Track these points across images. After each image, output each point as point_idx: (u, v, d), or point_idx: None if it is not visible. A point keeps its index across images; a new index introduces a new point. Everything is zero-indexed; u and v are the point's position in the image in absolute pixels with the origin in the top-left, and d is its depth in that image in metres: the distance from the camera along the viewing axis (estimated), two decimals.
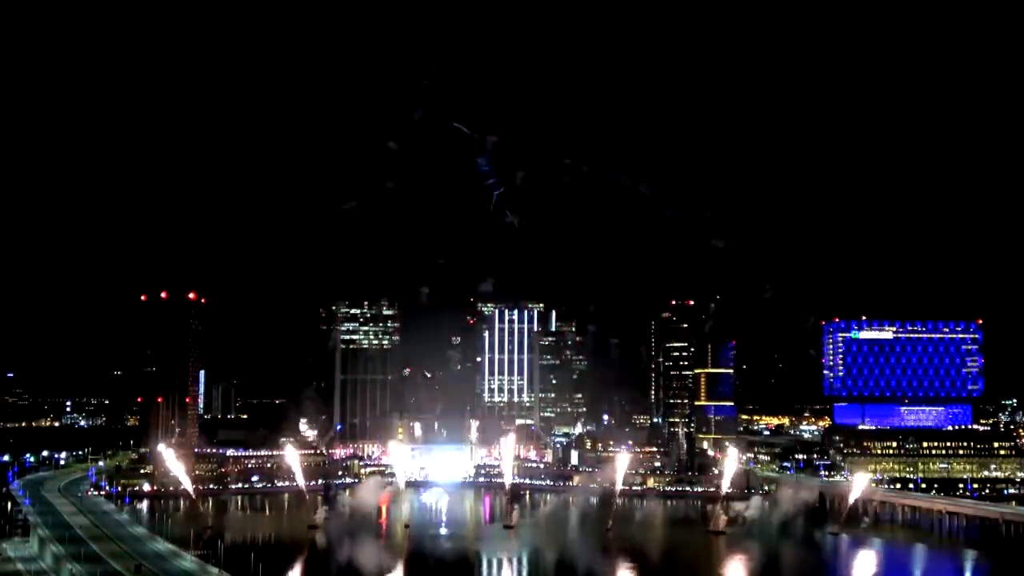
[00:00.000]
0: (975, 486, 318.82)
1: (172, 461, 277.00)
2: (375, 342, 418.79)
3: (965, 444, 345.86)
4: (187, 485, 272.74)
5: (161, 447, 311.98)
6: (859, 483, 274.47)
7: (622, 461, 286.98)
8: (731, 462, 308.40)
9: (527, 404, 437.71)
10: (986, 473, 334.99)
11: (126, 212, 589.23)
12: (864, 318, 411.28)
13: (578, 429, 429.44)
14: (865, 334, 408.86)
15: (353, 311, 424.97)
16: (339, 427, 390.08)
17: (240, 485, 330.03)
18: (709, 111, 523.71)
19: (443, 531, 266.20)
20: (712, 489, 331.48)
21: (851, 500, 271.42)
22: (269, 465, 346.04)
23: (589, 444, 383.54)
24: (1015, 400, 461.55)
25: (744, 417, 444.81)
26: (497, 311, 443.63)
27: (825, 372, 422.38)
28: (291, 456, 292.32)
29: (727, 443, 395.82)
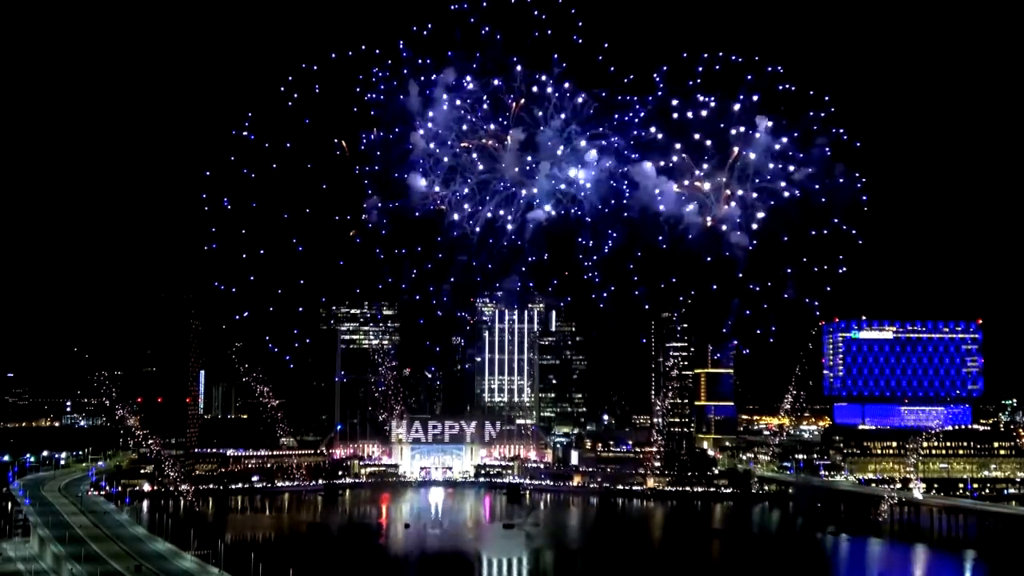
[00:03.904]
0: (975, 486, 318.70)
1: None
2: (375, 342, 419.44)
3: (965, 444, 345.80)
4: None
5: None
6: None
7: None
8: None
9: (527, 404, 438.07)
10: (986, 473, 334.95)
11: (127, 212, 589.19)
12: (864, 318, 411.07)
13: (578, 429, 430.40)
14: (865, 334, 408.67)
15: (353, 311, 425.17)
16: (339, 427, 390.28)
17: (240, 485, 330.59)
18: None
19: (442, 531, 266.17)
20: (712, 489, 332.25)
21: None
22: (269, 465, 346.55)
23: (589, 444, 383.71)
24: (1015, 400, 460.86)
25: (744, 417, 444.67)
26: (497, 311, 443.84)
27: (825, 372, 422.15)
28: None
29: (727, 443, 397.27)
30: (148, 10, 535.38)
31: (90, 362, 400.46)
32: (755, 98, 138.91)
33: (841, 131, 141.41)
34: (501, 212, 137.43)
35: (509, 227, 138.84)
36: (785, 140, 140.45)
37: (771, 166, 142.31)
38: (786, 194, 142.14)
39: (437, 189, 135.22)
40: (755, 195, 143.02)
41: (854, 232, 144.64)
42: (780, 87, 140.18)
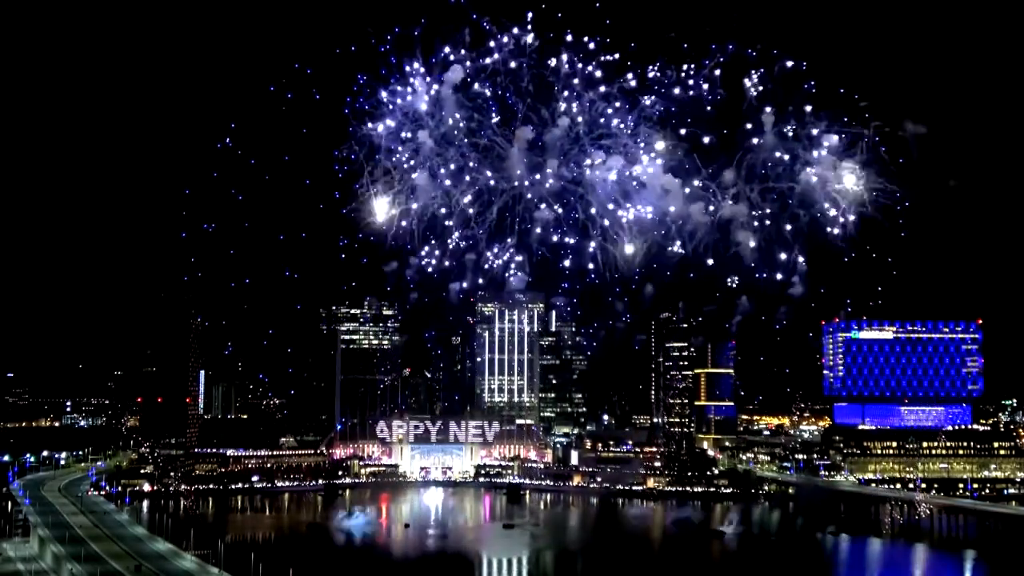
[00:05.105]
0: (975, 486, 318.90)
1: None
2: (375, 342, 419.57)
3: (965, 444, 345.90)
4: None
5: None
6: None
7: None
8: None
9: (527, 404, 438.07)
10: (986, 473, 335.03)
11: (127, 212, 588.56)
12: (864, 318, 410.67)
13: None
14: (865, 334, 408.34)
15: (353, 311, 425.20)
16: (339, 427, 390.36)
17: (240, 485, 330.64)
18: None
19: (442, 531, 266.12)
20: (712, 489, 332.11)
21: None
22: (269, 465, 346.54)
23: (589, 444, 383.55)
24: (1015, 400, 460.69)
25: (744, 417, 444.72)
26: (497, 311, 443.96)
27: (825, 372, 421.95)
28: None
29: (727, 443, 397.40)
30: (125, 10, 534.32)
31: (90, 362, 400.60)
32: (761, 91, 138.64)
33: (873, 133, 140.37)
34: (507, 212, 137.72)
35: (515, 226, 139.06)
36: (792, 140, 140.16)
37: (780, 162, 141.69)
38: (793, 191, 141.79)
39: (443, 189, 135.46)
40: (761, 194, 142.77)
41: (890, 260, 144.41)
42: (793, 82, 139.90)
